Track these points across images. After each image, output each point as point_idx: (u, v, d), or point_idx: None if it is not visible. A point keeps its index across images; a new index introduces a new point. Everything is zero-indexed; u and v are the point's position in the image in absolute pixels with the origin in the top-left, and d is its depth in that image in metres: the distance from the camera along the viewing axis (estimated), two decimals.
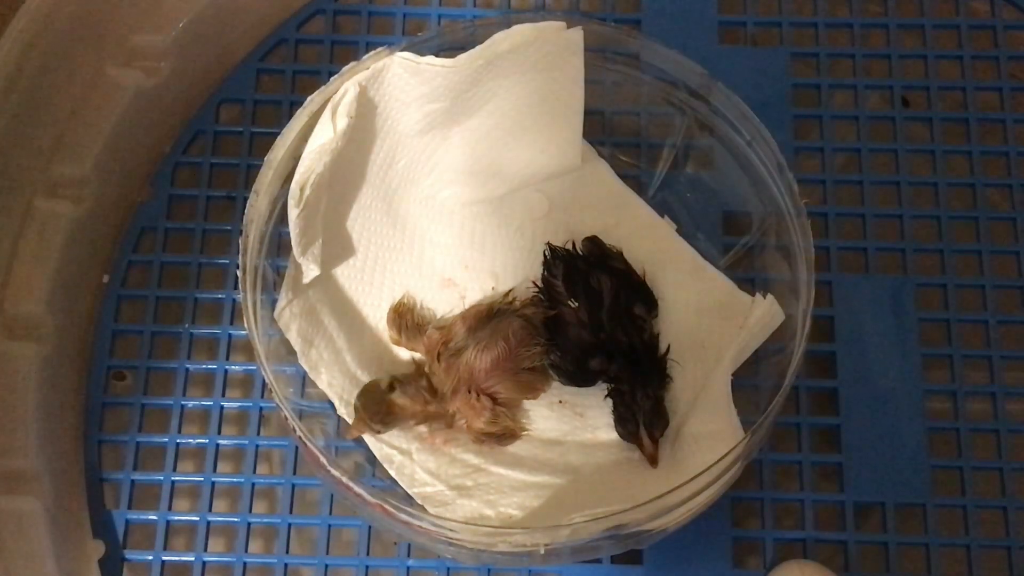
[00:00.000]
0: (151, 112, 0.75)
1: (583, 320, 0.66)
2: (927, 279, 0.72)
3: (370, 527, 0.67)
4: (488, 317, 0.67)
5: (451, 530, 0.57)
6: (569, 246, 0.70)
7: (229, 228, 0.74)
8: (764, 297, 0.67)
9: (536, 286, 0.69)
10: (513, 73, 0.67)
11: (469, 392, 0.65)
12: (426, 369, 0.66)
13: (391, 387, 0.64)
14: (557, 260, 0.69)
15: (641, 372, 0.66)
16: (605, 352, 0.66)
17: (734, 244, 0.71)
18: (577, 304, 0.67)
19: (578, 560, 0.65)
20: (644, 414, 0.65)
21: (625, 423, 0.65)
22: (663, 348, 0.68)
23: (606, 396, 0.67)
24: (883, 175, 0.75)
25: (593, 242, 0.70)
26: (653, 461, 0.65)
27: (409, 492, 0.66)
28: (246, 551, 0.67)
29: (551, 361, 0.67)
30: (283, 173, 0.64)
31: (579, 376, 0.67)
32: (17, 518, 0.64)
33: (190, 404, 0.70)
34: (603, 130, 0.75)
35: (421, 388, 0.65)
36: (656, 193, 0.74)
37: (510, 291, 0.69)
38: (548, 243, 0.70)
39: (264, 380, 0.62)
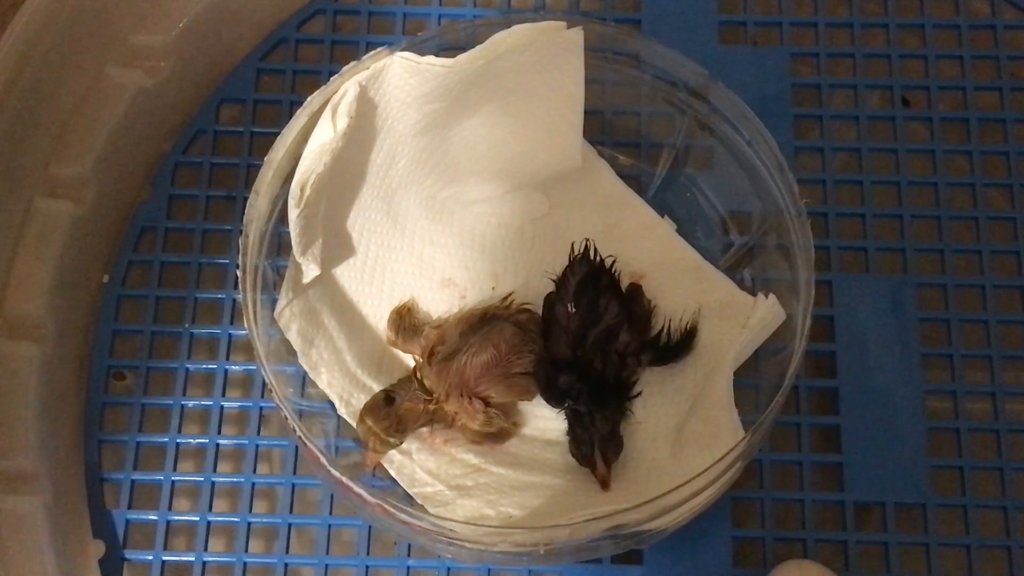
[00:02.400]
0: (151, 112, 0.75)
1: (569, 328, 0.66)
2: (927, 279, 0.72)
3: (370, 527, 0.67)
4: (481, 321, 0.66)
5: (451, 530, 0.57)
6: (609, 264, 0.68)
7: (229, 228, 0.74)
8: (766, 297, 0.67)
9: (551, 279, 0.68)
10: (513, 73, 0.67)
11: (462, 395, 0.65)
12: (418, 371, 0.66)
13: (390, 399, 0.64)
14: (584, 261, 0.67)
15: (602, 397, 0.65)
16: (576, 370, 0.65)
17: (734, 244, 0.71)
18: (574, 311, 0.66)
19: (578, 560, 0.65)
20: (600, 437, 0.64)
21: (580, 444, 0.65)
22: (637, 390, 0.66)
23: (562, 411, 0.66)
24: (883, 175, 0.75)
25: (633, 287, 0.69)
26: (605, 484, 0.64)
27: (409, 492, 0.66)
28: (246, 551, 0.67)
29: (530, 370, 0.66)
30: (283, 173, 0.64)
31: (548, 390, 0.66)
32: (17, 518, 0.64)
33: (190, 404, 0.70)
34: (603, 130, 0.75)
35: (414, 390, 0.65)
36: (656, 193, 0.74)
37: (509, 295, 0.69)
38: (587, 239, 0.68)
39: (264, 380, 0.62)
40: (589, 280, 0.67)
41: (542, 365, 0.66)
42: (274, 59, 0.79)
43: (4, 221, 0.68)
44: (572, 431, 0.65)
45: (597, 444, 0.64)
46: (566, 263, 0.68)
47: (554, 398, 0.66)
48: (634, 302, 0.68)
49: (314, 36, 0.79)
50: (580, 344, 0.65)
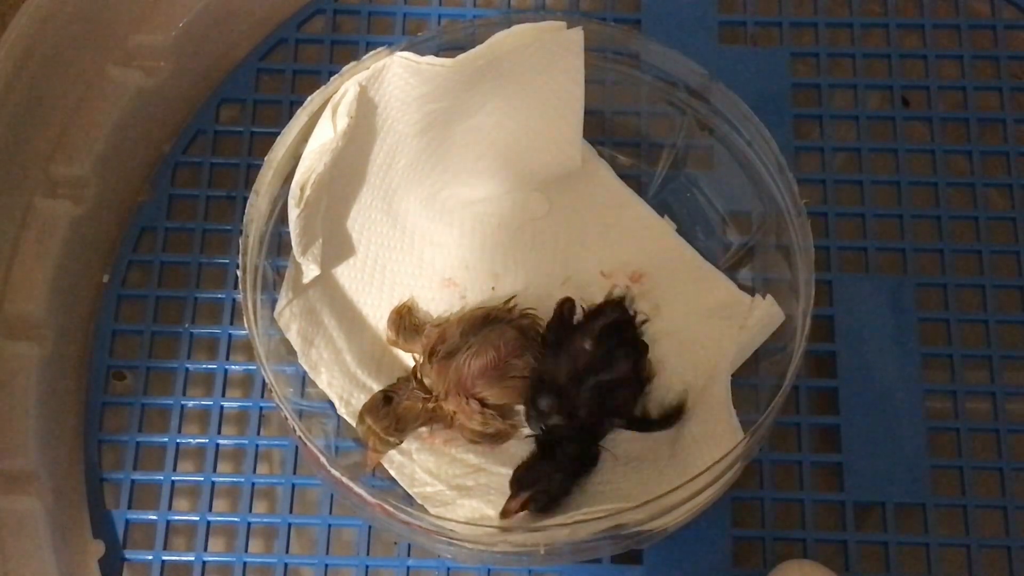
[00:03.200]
0: (151, 112, 0.75)
1: (577, 362, 0.65)
2: (927, 279, 0.72)
3: (370, 527, 0.67)
4: (483, 322, 0.66)
5: (451, 530, 0.57)
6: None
7: (229, 228, 0.74)
8: (764, 297, 0.67)
9: (581, 306, 0.67)
10: (513, 73, 0.67)
11: (459, 395, 0.65)
12: (419, 370, 0.66)
13: (388, 398, 0.65)
14: (615, 309, 0.67)
15: (579, 457, 0.64)
16: (561, 399, 0.64)
17: (734, 244, 0.71)
18: (589, 349, 0.65)
19: (578, 560, 0.65)
20: (542, 487, 0.62)
21: (527, 472, 0.63)
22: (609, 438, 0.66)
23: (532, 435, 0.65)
24: (883, 175, 0.75)
25: (643, 347, 0.67)
26: (504, 514, 0.62)
27: (409, 492, 0.66)
28: (246, 551, 0.67)
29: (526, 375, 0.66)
30: (283, 173, 0.65)
31: (529, 404, 0.65)
32: (17, 518, 0.64)
33: (190, 404, 0.70)
34: (603, 130, 0.75)
35: (413, 389, 0.65)
36: (656, 193, 0.74)
37: (512, 298, 0.69)
38: (629, 286, 0.69)
39: (264, 380, 0.62)
40: (617, 328, 0.66)
41: (534, 375, 0.65)
42: (274, 59, 0.79)
43: (4, 221, 0.68)
44: (531, 460, 0.64)
45: (535, 492, 0.62)
46: (570, 264, 0.68)
47: (532, 415, 0.65)
48: (638, 364, 0.67)
49: (314, 36, 0.79)
50: (578, 382, 0.64)
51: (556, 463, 0.63)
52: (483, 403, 0.65)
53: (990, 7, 0.79)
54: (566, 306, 0.68)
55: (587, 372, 0.64)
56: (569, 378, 0.64)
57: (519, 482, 0.63)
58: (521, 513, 0.62)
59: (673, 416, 0.66)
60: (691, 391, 0.67)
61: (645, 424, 0.66)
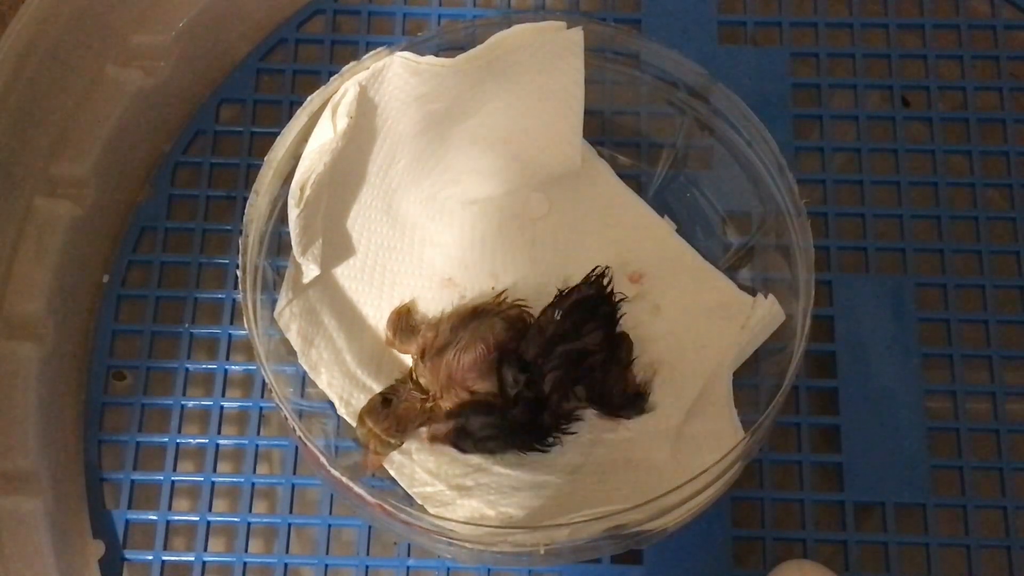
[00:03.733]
0: (151, 112, 0.75)
1: (545, 332, 0.65)
2: (927, 279, 0.72)
3: (370, 527, 0.67)
4: (472, 316, 0.67)
5: (451, 530, 0.57)
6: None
7: (229, 228, 0.74)
8: (765, 297, 0.67)
9: (559, 291, 0.67)
10: (513, 73, 0.67)
11: (451, 391, 0.65)
12: (415, 370, 0.66)
13: (386, 400, 0.65)
14: (594, 284, 0.67)
15: (525, 424, 0.64)
16: (523, 370, 0.64)
17: (734, 244, 0.71)
18: (559, 319, 0.65)
19: (578, 560, 0.65)
20: (460, 427, 0.64)
21: (463, 410, 0.64)
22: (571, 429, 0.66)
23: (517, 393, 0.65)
24: (883, 175, 0.75)
25: (622, 336, 0.68)
26: (432, 440, 0.64)
27: (409, 492, 0.66)
28: (246, 551, 0.67)
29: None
30: (283, 173, 0.65)
31: (497, 377, 0.65)
32: (17, 518, 0.64)
33: (190, 404, 0.70)
34: (603, 130, 0.75)
35: (410, 389, 0.65)
36: (656, 193, 0.74)
37: (503, 292, 0.69)
38: (608, 267, 0.68)
39: (264, 380, 0.62)
40: (589, 302, 0.66)
41: (502, 351, 0.65)
42: (274, 59, 0.79)
43: (4, 221, 0.68)
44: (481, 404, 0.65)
45: (456, 434, 0.64)
46: (570, 264, 0.68)
47: (502, 388, 0.65)
48: (619, 348, 0.67)
49: (314, 36, 0.79)
50: (547, 352, 0.64)
51: (493, 416, 0.64)
52: None
53: (990, 7, 0.79)
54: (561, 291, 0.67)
55: (554, 341, 0.64)
56: (538, 350, 0.64)
57: (450, 412, 0.64)
58: (447, 447, 0.65)
59: (636, 400, 0.66)
60: (692, 390, 0.67)
61: (607, 402, 0.66)
